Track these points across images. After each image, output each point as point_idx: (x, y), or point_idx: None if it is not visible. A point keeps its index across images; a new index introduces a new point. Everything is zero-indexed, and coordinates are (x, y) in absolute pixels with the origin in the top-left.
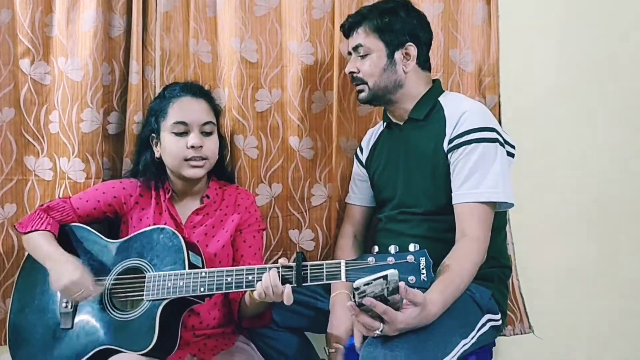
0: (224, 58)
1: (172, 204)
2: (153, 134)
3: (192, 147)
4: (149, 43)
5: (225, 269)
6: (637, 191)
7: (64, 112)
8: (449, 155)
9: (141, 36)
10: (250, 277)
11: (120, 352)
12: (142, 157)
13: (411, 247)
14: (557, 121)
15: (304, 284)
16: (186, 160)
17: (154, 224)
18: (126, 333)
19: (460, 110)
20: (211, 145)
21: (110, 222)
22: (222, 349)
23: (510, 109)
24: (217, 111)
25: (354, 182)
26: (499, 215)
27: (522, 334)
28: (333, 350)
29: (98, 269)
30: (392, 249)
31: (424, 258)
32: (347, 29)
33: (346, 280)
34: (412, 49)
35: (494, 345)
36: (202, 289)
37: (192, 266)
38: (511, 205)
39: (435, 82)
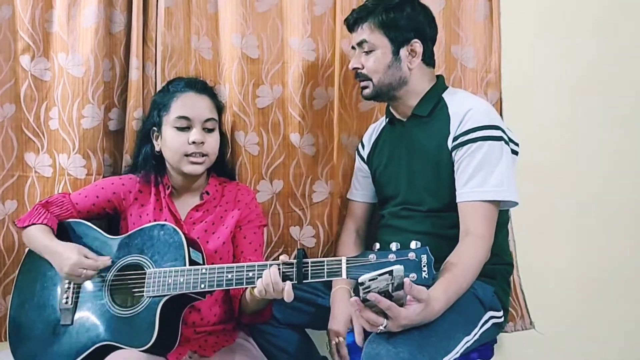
0: (225, 54)
1: (171, 200)
2: (154, 128)
3: (194, 142)
4: (149, 39)
5: (225, 265)
6: (638, 189)
7: (64, 108)
8: (453, 153)
9: (142, 32)
10: (250, 274)
11: (120, 348)
12: (142, 150)
13: (413, 245)
14: (559, 118)
15: (304, 281)
16: (186, 155)
17: (154, 221)
18: (126, 329)
19: (465, 108)
20: (212, 142)
21: (109, 218)
22: (223, 345)
23: (511, 105)
24: (219, 108)
25: (355, 178)
26: (502, 213)
27: (523, 329)
28: (334, 343)
29: None
30: (394, 246)
31: (425, 255)
32: (352, 24)
33: (347, 278)
34: (418, 46)
35: (496, 342)
36: (202, 286)
37: (192, 263)
38: (515, 203)
39: (439, 79)
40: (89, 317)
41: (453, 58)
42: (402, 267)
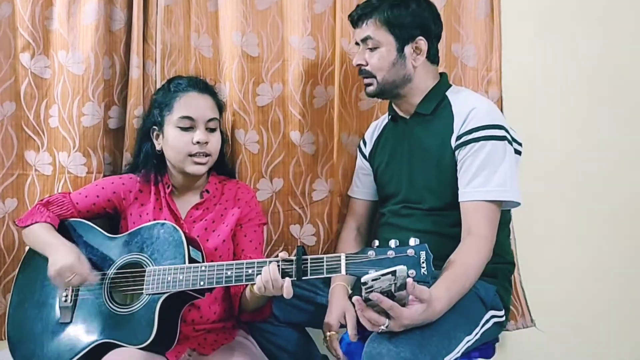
0: (225, 52)
1: (171, 199)
2: (155, 127)
3: (198, 142)
4: (149, 37)
5: (225, 262)
6: (639, 189)
7: (64, 106)
8: (456, 152)
9: (142, 30)
10: (250, 271)
11: (119, 346)
12: (142, 149)
13: (411, 241)
14: (559, 117)
15: (304, 278)
16: (190, 155)
17: (154, 220)
18: (125, 327)
19: (468, 107)
20: (215, 142)
21: (110, 217)
22: (222, 343)
23: (512, 104)
24: (221, 107)
25: (357, 176)
26: (504, 212)
27: (524, 328)
28: (327, 337)
29: (98, 263)
30: (393, 243)
31: (424, 252)
32: (356, 20)
33: (346, 274)
34: (423, 43)
35: (498, 340)
36: (201, 283)
37: (192, 261)
38: (518, 204)
39: (443, 76)
40: (88, 315)
41: (453, 56)
42: (405, 267)
